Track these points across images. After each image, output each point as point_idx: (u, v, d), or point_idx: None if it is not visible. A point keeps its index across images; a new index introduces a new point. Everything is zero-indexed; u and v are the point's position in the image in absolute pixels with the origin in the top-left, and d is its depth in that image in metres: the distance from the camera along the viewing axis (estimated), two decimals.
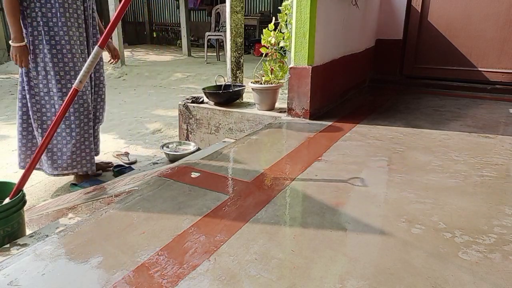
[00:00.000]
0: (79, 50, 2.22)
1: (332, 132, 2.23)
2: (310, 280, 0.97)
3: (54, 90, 2.17)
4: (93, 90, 2.41)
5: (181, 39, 8.10)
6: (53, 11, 2.09)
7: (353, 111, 2.71)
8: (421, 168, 1.69)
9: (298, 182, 1.56)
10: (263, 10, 11.12)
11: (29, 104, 2.20)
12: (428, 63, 3.59)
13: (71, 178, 2.59)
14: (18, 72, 2.18)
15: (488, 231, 1.19)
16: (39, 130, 2.23)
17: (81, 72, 1.49)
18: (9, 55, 8.52)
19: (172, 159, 2.61)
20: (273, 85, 2.63)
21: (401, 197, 1.42)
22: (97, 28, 2.40)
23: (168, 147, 2.79)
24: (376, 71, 3.79)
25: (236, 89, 2.85)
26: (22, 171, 1.53)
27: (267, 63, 2.73)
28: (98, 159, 2.63)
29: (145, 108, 4.54)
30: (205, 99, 2.92)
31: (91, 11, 2.31)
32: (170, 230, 1.20)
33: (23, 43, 2.08)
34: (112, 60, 2.63)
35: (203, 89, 2.88)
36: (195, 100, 2.89)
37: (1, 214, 1.43)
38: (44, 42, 2.11)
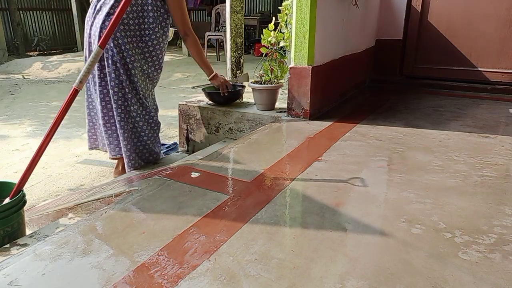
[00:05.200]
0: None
1: (332, 132, 2.23)
2: (310, 280, 0.97)
3: None
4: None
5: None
6: None
7: (353, 111, 2.71)
8: (421, 168, 1.69)
9: (298, 182, 1.56)
10: (263, 10, 11.14)
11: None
12: (428, 63, 3.59)
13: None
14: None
15: (488, 231, 1.19)
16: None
17: (81, 72, 1.50)
18: (9, 55, 8.51)
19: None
20: (273, 85, 2.63)
21: (401, 197, 1.42)
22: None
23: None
24: (376, 71, 3.79)
25: (236, 89, 2.85)
26: (21, 172, 1.53)
27: (267, 63, 2.73)
28: None
29: None
30: (205, 99, 2.92)
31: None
32: (170, 230, 1.20)
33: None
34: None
35: (203, 89, 2.88)
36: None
37: (1, 214, 1.43)
38: None
